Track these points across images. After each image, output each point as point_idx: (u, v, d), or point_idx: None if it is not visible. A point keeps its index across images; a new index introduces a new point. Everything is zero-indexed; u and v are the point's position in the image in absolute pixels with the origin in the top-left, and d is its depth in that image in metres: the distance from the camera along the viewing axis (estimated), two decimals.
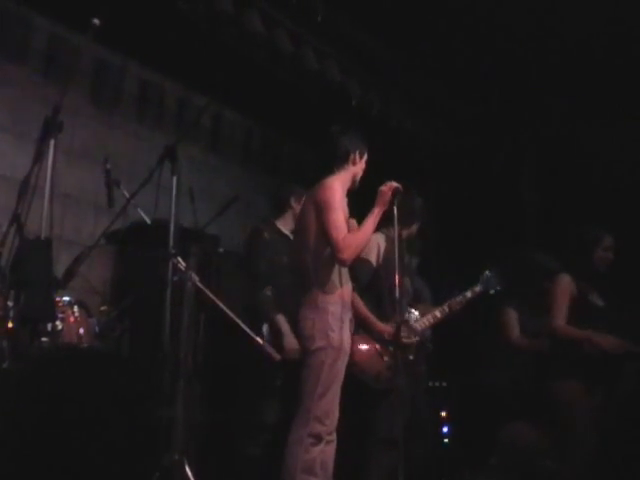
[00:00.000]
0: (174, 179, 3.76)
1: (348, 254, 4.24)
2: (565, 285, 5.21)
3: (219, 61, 6.15)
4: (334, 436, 4.26)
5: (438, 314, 5.30)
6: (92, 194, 5.88)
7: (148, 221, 4.59)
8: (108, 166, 4.68)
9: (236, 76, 6.22)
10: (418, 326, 5.20)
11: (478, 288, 5.42)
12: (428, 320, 5.26)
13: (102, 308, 4.56)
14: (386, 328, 4.91)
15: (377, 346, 4.97)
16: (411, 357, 5.06)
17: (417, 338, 5.10)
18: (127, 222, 4.85)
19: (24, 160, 5.66)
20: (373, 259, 5.01)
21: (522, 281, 5.93)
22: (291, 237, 5.31)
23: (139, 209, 4.60)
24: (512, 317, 5.94)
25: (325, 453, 4.22)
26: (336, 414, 4.23)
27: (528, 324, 5.87)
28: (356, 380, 4.70)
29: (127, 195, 4.50)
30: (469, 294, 5.38)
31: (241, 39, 5.95)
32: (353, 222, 4.59)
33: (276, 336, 4.90)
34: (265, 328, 4.96)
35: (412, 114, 7.50)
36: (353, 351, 4.63)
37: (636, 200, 6.95)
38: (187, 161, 6.14)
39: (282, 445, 4.22)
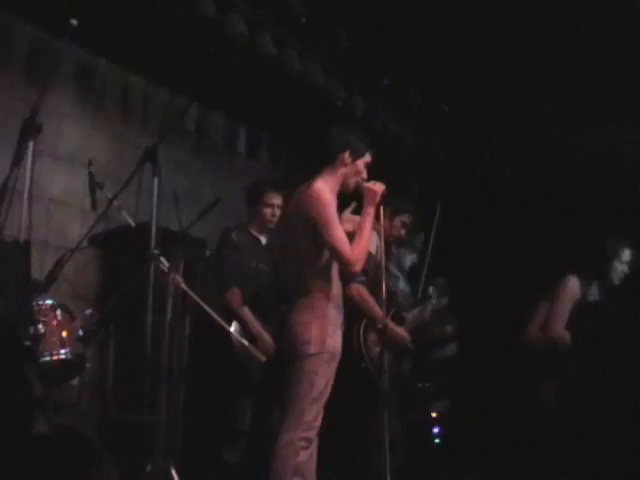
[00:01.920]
0: (155, 180, 3.75)
1: (360, 265, 4.27)
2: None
3: (202, 64, 6.14)
4: (316, 437, 4.26)
5: (414, 321, 5.56)
6: (78, 198, 5.85)
7: (132, 224, 4.58)
8: (91, 169, 4.67)
9: (220, 79, 6.23)
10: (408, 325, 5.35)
11: (435, 302, 5.66)
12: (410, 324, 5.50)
13: (87, 312, 4.53)
14: (406, 336, 5.09)
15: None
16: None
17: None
18: (112, 225, 4.82)
19: (4, 164, 5.78)
20: (374, 252, 5.06)
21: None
22: (262, 241, 5.31)
23: (123, 212, 4.58)
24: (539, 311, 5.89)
25: (312, 455, 4.23)
26: (321, 417, 4.24)
27: None
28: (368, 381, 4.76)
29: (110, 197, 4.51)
30: (432, 304, 5.67)
31: (223, 42, 5.92)
32: (350, 217, 4.57)
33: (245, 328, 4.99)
34: (234, 326, 4.95)
35: (396, 117, 7.50)
36: (369, 349, 4.91)
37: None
38: (172, 164, 6.21)
39: (258, 450, 4.30)
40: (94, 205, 4.54)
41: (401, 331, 5.39)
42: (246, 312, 5.07)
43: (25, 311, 3.44)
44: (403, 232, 5.58)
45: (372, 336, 5.18)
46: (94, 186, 4.63)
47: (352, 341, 5.13)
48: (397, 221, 5.51)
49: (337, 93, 6.74)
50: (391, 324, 5.10)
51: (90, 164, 4.69)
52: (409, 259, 6.21)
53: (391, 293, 5.28)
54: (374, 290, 4.95)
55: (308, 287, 4.30)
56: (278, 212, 5.32)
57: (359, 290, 5.11)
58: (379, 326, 4.74)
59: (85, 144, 6.13)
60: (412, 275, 6.19)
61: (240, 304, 5.09)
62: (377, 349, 4.97)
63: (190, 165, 6.94)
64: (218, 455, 5.00)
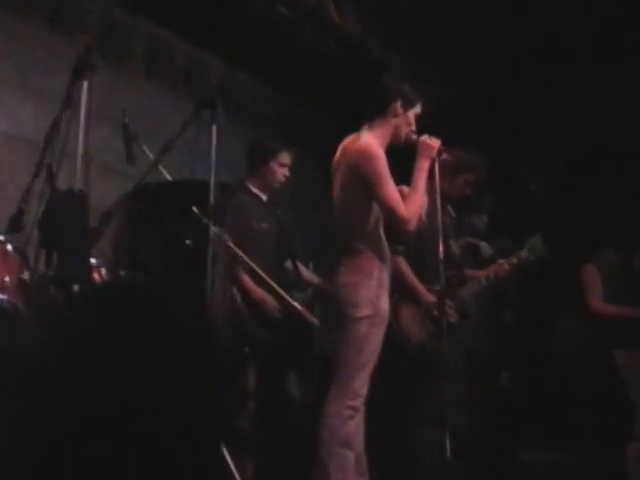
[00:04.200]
0: (213, 129, 3.51)
1: (414, 224, 4.04)
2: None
3: (231, 19, 5.90)
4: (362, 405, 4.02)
5: (484, 281, 5.01)
6: (100, 153, 5.57)
7: (170, 179, 4.34)
8: (126, 120, 4.42)
9: (249, 35, 5.99)
10: (464, 293, 4.97)
11: (524, 254, 5.02)
12: (473, 287, 4.98)
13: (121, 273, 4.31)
14: (432, 301, 4.69)
15: (421, 312, 4.69)
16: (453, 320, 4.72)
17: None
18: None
19: (29, 117, 5.53)
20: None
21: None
22: (263, 198, 5.09)
23: (160, 167, 4.33)
24: (594, 278, 5.76)
25: (359, 424, 4.01)
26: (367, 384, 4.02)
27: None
28: (397, 349, 4.49)
29: (148, 153, 4.29)
30: (515, 260, 5.01)
31: None
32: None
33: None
34: (234, 291, 4.75)
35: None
36: (396, 316, 4.46)
37: None
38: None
39: (266, 415, 4.28)
40: (130, 158, 4.29)
41: (427, 296, 4.73)
42: (245, 279, 4.81)
43: (85, 268, 3.19)
44: (469, 192, 5.08)
45: (405, 310, 4.85)
46: (130, 138, 4.37)
47: None
48: (460, 180, 5.11)
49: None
50: (424, 294, 4.68)
51: (124, 114, 4.43)
52: (479, 221, 5.89)
53: (450, 256, 4.88)
54: (415, 260, 4.68)
55: (355, 246, 4.06)
56: (287, 173, 5.13)
57: (397, 262, 4.82)
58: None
59: (108, 98, 5.86)
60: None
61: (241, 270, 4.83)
62: (411, 324, 4.70)
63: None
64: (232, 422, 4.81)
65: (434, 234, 4.30)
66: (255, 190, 5.12)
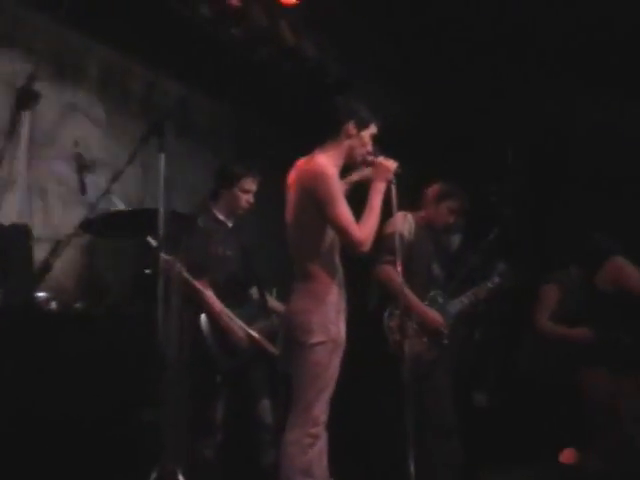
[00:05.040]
0: (161, 157, 3.44)
1: (367, 246, 3.96)
2: None
3: (187, 42, 5.83)
4: (325, 431, 3.96)
5: (466, 300, 5.24)
6: (56, 183, 5.48)
7: (123, 208, 4.25)
8: (78, 150, 4.35)
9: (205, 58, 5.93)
10: (451, 309, 5.17)
11: (497, 280, 5.34)
12: (456, 305, 5.22)
13: (76, 305, 4.23)
14: (438, 319, 4.99)
15: (414, 326, 4.91)
16: (445, 341, 4.99)
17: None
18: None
19: None
20: (406, 234, 4.83)
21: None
22: (229, 225, 5.02)
23: (113, 196, 4.24)
24: (549, 297, 5.75)
25: (321, 451, 3.94)
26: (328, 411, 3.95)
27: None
28: (392, 364, 4.53)
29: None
30: (489, 284, 5.33)
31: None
32: None
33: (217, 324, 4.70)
34: (203, 319, 4.66)
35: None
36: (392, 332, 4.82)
37: None
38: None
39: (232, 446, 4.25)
40: (83, 189, 4.22)
41: (433, 315, 5.05)
42: (217, 304, 4.72)
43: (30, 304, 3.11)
44: (452, 219, 5.31)
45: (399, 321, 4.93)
46: (82, 169, 4.31)
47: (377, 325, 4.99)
48: (443, 207, 5.25)
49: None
50: (422, 307, 4.88)
51: (77, 144, 4.36)
52: (454, 240, 5.92)
53: (433, 277, 5.20)
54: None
55: (309, 270, 3.99)
56: (252, 199, 5.03)
57: (387, 270, 4.89)
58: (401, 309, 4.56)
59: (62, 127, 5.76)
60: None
61: (209, 294, 4.74)
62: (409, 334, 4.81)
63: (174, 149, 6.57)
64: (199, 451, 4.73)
65: (420, 254, 4.69)
66: (220, 216, 5.03)
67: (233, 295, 4.83)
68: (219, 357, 4.64)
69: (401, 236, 4.64)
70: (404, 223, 4.92)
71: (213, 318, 4.68)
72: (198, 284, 4.57)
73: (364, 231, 3.93)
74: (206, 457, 4.70)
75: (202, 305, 4.67)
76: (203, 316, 4.67)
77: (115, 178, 3.78)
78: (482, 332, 6.52)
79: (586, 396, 5.10)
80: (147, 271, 4.15)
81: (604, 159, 7.05)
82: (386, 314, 5.02)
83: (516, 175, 7.17)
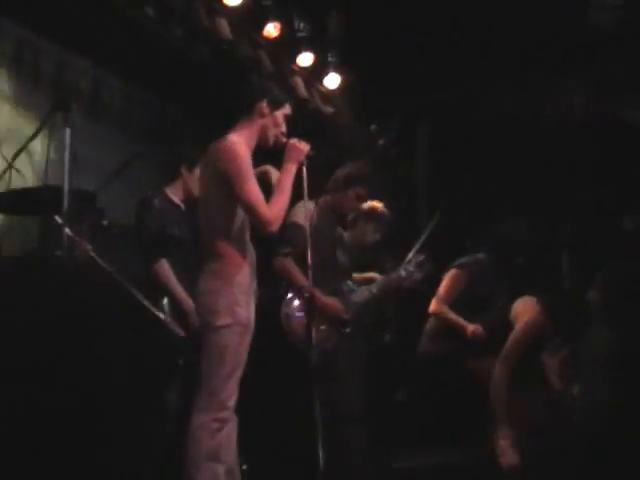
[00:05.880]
0: (67, 131, 3.35)
1: (276, 226, 3.95)
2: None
3: (100, 21, 5.70)
4: (234, 415, 3.94)
5: (374, 289, 5.22)
6: None
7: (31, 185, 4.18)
8: None
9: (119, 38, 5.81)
10: (356, 298, 5.06)
11: (410, 268, 5.31)
12: (363, 294, 5.17)
13: None
14: (337, 306, 4.99)
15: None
16: (347, 330, 4.90)
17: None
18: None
19: None
20: (305, 224, 4.78)
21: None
22: (182, 207, 5.00)
23: (20, 172, 4.14)
24: (452, 282, 5.82)
25: (229, 436, 3.92)
26: (237, 395, 3.92)
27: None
28: (293, 353, 4.49)
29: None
30: (402, 272, 5.29)
31: None
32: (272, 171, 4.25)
33: (179, 307, 4.65)
34: (165, 302, 4.61)
35: None
36: (288, 320, 4.73)
37: None
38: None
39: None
40: None
41: (331, 301, 4.98)
42: (177, 287, 4.73)
43: None
44: (359, 205, 5.32)
45: (298, 308, 4.87)
46: None
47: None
48: (351, 193, 5.18)
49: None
50: (318, 294, 4.71)
51: None
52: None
53: (336, 264, 5.15)
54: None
55: (218, 250, 3.96)
56: None
57: (283, 263, 4.83)
58: (306, 295, 4.42)
59: None
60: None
61: (170, 277, 4.75)
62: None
63: (87, 129, 6.43)
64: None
65: (322, 240, 4.56)
66: (174, 198, 5.05)
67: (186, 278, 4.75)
68: (179, 340, 4.46)
69: (301, 227, 4.61)
70: (304, 213, 4.85)
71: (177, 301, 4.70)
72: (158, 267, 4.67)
73: (273, 211, 3.92)
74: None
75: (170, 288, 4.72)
76: (166, 300, 4.70)
77: (17, 153, 3.67)
78: (392, 334, 6.54)
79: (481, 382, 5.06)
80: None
81: (509, 144, 7.16)
82: (284, 303, 4.97)
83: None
